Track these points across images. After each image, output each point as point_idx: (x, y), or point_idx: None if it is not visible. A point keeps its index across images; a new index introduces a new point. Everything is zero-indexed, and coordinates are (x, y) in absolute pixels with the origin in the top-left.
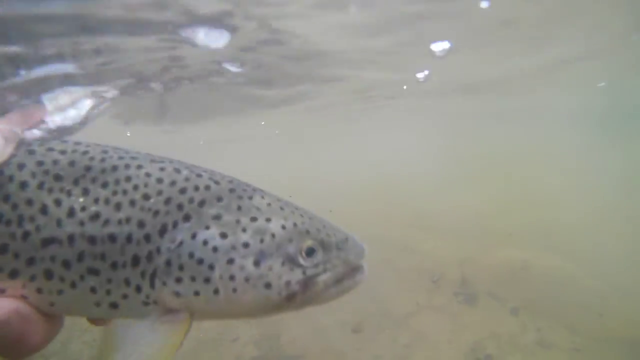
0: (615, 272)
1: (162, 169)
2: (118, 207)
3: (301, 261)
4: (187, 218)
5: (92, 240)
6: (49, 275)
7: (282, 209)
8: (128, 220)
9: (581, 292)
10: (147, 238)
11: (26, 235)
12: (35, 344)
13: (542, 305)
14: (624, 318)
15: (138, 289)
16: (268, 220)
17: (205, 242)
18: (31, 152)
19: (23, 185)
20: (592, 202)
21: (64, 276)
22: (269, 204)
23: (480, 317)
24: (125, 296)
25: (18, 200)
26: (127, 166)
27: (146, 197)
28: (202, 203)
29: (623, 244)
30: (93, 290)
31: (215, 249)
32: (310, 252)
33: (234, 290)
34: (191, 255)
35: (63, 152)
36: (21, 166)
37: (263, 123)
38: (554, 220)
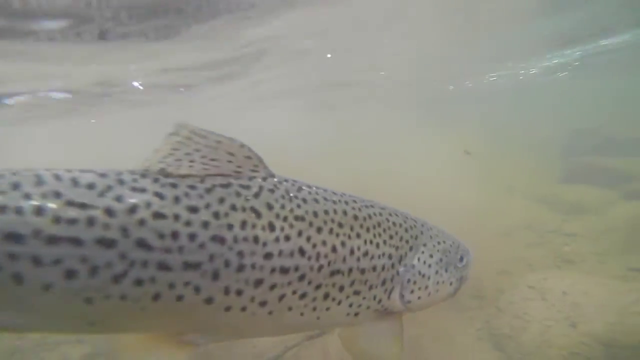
0: None
1: (390, 215)
2: (378, 246)
3: (459, 265)
4: (411, 248)
5: (362, 271)
6: (326, 297)
7: (443, 233)
8: (383, 255)
9: None
10: (393, 266)
11: (320, 268)
12: None
13: None
14: None
15: (379, 301)
16: (444, 242)
17: (424, 262)
18: (316, 201)
19: (319, 230)
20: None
21: (336, 298)
22: (438, 231)
23: None
24: (367, 308)
25: (316, 241)
26: (375, 215)
27: (391, 237)
28: (415, 237)
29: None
30: (350, 305)
31: (429, 266)
32: (462, 258)
33: (437, 290)
34: (419, 273)
35: (335, 202)
36: (315, 214)
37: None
38: (384, 191)
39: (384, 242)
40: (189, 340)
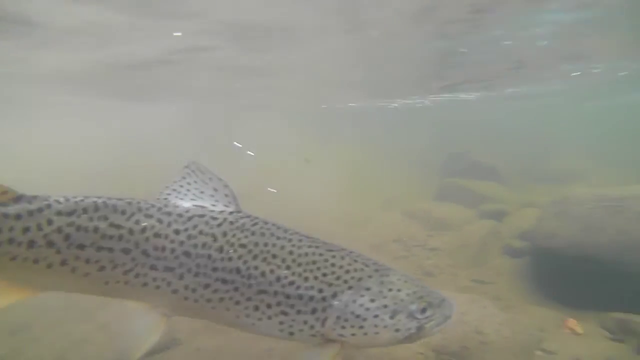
0: None
1: (334, 256)
2: (306, 279)
3: (418, 315)
4: (350, 288)
5: (287, 296)
6: (256, 309)
7: (406, 282)
8: (312, 287)
9: None
10: (324, 299)
11: (250, 286)
12: None
13: None
14: None
15: (312, 327)
16: (399, 290)
17: (361, 305)
18: (263, 235)
19: (255, 257)
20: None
21: (265, 312)
22: (398, 279)
23: None
24: (301, 330)
25: (250, 266)
26: (314, 254)
27: (325, 274)
28: (359, 279)
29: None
30: (281, 323)
31: (367, 309)
32: (423, 310)
33: (376, 333)
34: (352, 312)
35: (279, 238)
36: (256, 244)
37: None
38: (263, 202)
39: (315, 277)
40: (163, 312)
